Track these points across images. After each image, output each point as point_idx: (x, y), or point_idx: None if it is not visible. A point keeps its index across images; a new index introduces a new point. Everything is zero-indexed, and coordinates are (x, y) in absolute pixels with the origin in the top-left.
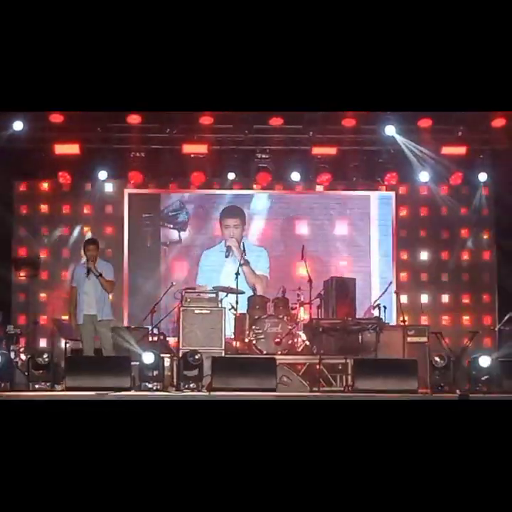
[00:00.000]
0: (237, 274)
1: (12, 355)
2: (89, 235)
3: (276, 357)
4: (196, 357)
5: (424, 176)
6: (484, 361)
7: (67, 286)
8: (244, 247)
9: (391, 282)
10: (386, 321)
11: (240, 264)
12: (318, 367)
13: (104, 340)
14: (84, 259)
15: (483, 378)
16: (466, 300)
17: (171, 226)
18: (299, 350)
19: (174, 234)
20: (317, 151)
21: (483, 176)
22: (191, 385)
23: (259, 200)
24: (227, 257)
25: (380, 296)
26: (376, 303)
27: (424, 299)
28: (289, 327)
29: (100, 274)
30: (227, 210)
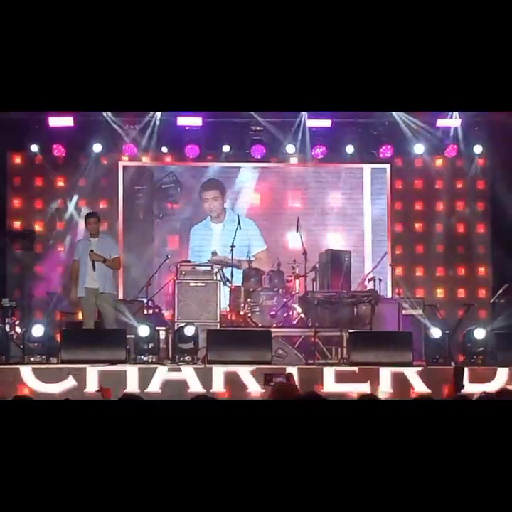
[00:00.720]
0: (232, 246)
1: (7, 328)
2: (84, 208)
3: (272, 329)
4: (190, 329)
5: (418, 149)
6: (479, 333)
7: (62, 257)
8: (239, 219)
9: (386, 253)
10: (381, 294)
11: (235, 236)
12: (313, 339)
13: (106, 314)
14: (85, 233)
15: (477, 350)
16: (461, 273)
17: (164, 199)
18: (294, 322)
19: (167, 207)
20: (312, 123)
21: (478, 148)
22: (186, 358)
23: (246, 172)
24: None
25: (374, 268)
26: (370, 275)
27: (419, 271)
28: (284, 300)
29: (105, 260)
30: (205, 184)
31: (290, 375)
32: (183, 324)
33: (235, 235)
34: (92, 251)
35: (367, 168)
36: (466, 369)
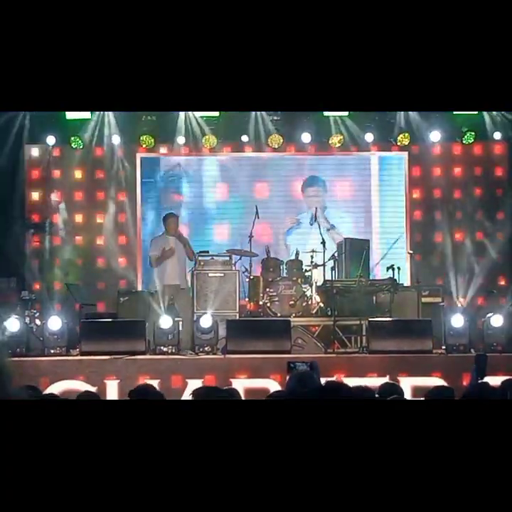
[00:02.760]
0: (251, 236)
1: (27, 320)
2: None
3: (291, 319)
4: (208, 320)
5: (436, 136)
6: (498, 321)
7: (81, 250)
8: (257, 210)
9: (398, 239)
10: (400, 282)
11: (253, 226)
12: (332, 328)
13: (182, 309)
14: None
15: (497, 337)
16: (480, 260)
17: (172, 190)
18: (313, 312)
19: (174, 198)
20: (329, 112)
21: (497, 135)
22: (206, 349)
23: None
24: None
25: (385, 255)
26: (381, 262)
27: (439, 258)
28: (303, 289)
29: (187, 243)
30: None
31: (314, 363)
32: (201, 315)
33: (253, 225)
34: (188, 248)
35: (375, 156)
36: (487, 356)
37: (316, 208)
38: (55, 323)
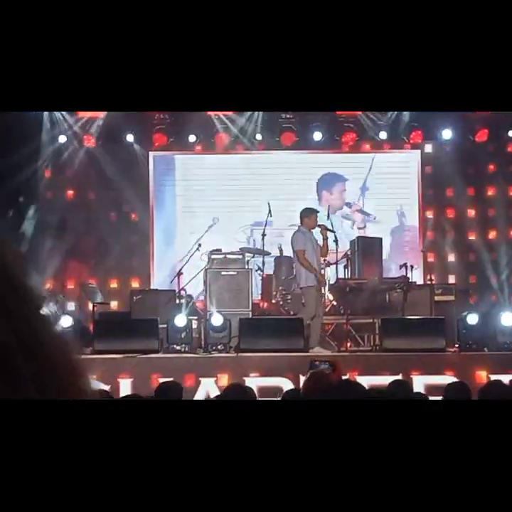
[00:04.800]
0: (264, 234)
1: None
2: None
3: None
4: (220, 319)
5: (449, 133)
6: (509, 319)
7: (94, 249)
8: (269, 207)
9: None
10: (413, 280)
11: (266, 224)
12: (345, 327)
13: (317, 305)
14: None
15: (509, 335)
16: (493, 257)
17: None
18: (326, 310)
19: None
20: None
21: (510, 132)
22: (219, 347)
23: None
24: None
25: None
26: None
27: (451, 257)
28: None
29: (327, 238)
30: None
31: (335, 362)
32: (213, 314)
33: (265, 223)
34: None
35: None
36: None
37: (329, 206)
38: (66, 321)
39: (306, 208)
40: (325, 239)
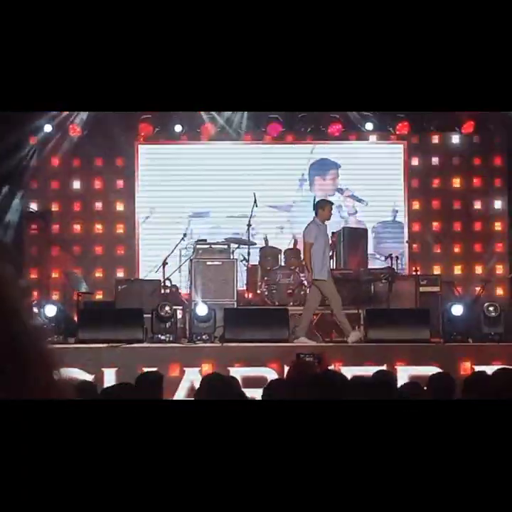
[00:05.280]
0: (249, 225)
1: None
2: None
3: (289, 308)
4: (205, 309)
5: (435, 125)
6: (495, 310)
7: (79, 238)
8: (255, 197)
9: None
10: (398, 271)
11: (251, 216)
12: (330, 317)
13: (333, 295)
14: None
15: (494, 327)
16: (478, 249)
17: None
18: None
19: None
20: None
21: (495, 124)
22: (204, 337)
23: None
24: None
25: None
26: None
27: (437, 248)
28: (301, 278)
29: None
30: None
31: (321, 354)
32: (197, 304)
33: (251, 214)
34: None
35: (376, 145)
36: None
37: (315, 197)
38: (50, 310)
39: (321, 200)
40: (333, 241)
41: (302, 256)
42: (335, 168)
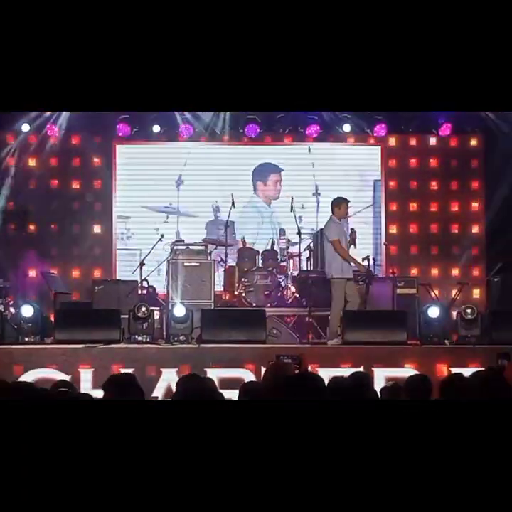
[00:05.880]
0: (227, 226)
1: (1, 308)
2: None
3: (266, 309)
4: (182, 309)
5: (412, 127)
6: (471, 313)
7: (57, 238)
8: (233, 199)
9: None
10: (375, 273)
11: (229, 216)
12: (307, 319)
13: (353, 295)
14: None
15: (471, 329)
16: (455, 251)
17: None
18: (288, 302)
19: None
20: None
21: (472, 127)
22: (181, 338)
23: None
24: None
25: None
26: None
27: (414, 250)
28: (279, 279)
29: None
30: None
31: (301, 356)
32: (175, 304)
33: (229, 215)
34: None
35: (356, 147)
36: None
37: (292, 198)
38: (27, 311)
39: (337, 198)
40: (352, 238)
41: (341, 253)
42: (276, 171)
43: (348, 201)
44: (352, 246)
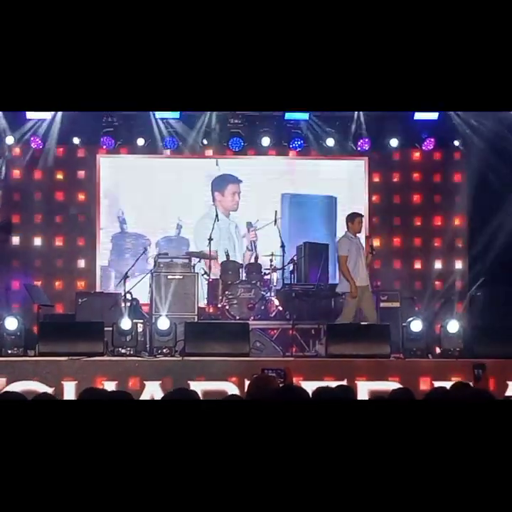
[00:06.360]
0: (210, 239)
1: None
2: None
3: (249, 322)
4: (166, 322)
5: (396, 142)
6: (454, 326)
7: (39, 250)
8: (217, 212)
9: None
10: None
11: (212, 229)
12: (291, 332)
13: (372, 309)
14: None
15: (454, 343)
16: (438, 265)
17: None
18: (272, 315)
19: None
20: (290, 116)
21: (457, 141)
22: (164, 351)
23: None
24: None
25: None
26: None
27: (397, 264)
28: (262, 292)
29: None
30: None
31: (286, 370)
32: (159, 317)
33: (212, 228)
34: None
35: (343, 162)
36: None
37: (276, 212)
38: (11, 323)
39: (350, 213)
40: (369, 253)
41: (342, 270)
42: (235, 183)
43: (362, 216)
44: (370, 255)
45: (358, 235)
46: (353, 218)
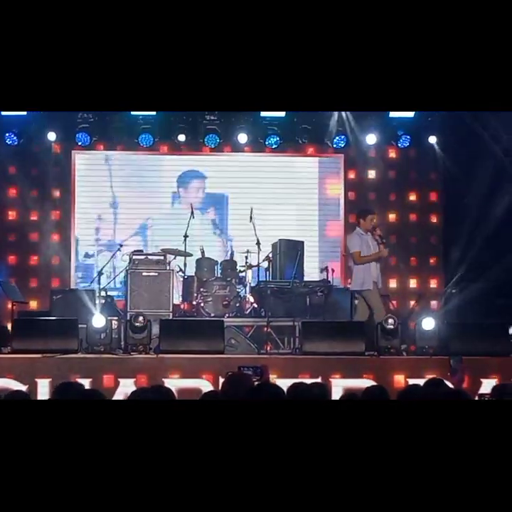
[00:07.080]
0: (186, 236)
1: None
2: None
3: (224, 319)
4: (140, 319)
5: (371, 139)
6: (429, 323)
7: (13, 247)
8: (192, 209)
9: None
10: (334, 284)
11: (188, 226)
12: (266, 329)
13: (381, 307)
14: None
15: (428, 340)
16: (413, 263)
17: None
18: (247, 312)
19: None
20: (266, 113)
21: (432, 139)
22: (139, 348)
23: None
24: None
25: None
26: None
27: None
28: (237, 290)
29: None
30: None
31: (263, 367)
32: (133, 314)
33: (187, 225)
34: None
35: (319, 159)
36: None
37: (252, 209)
38: None
39: (361, 210)
40: (379, 244)
41: (363, 262)
42: (199, 178)
43: (374, 212)
44: (383, 246)
45: (368, 232)
46: (365, 215)
